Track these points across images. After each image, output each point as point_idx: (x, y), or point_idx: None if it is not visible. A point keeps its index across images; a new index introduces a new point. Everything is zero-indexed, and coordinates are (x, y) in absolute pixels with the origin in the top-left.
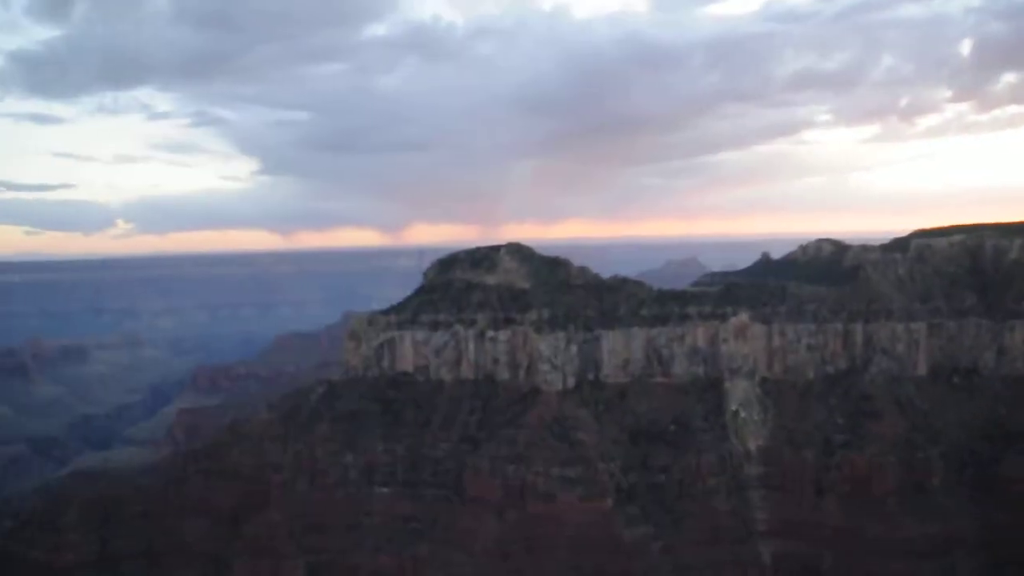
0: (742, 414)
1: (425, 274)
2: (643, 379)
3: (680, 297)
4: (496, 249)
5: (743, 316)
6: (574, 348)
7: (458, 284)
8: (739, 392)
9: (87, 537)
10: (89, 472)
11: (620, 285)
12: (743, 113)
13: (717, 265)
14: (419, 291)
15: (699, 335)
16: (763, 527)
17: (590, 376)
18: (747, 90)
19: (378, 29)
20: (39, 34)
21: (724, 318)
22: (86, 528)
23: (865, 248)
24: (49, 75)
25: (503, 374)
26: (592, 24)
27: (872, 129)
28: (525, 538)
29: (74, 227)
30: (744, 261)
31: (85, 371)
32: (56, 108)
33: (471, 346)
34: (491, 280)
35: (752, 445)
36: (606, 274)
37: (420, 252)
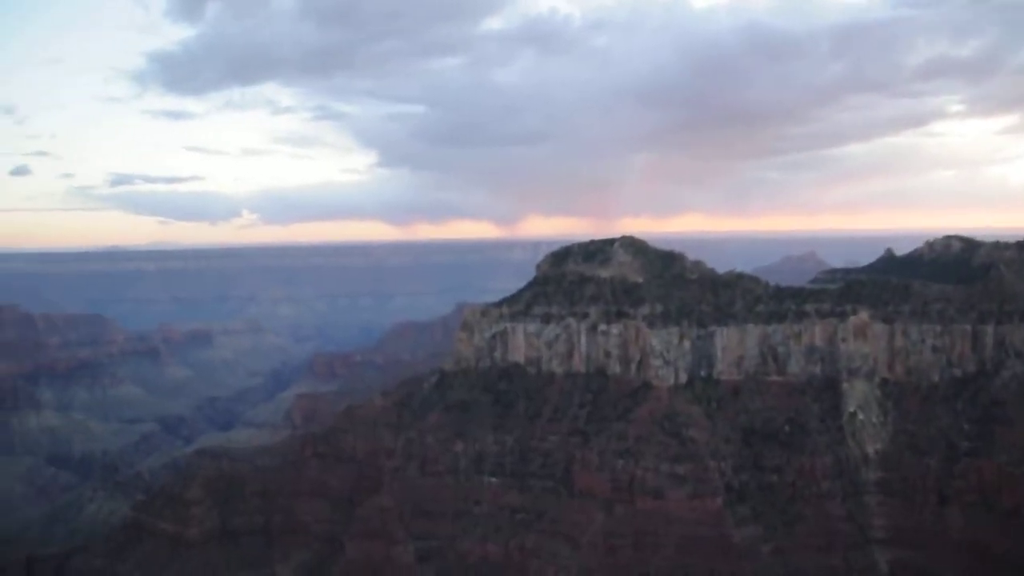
0: (860, 416)
1: (538, 266)
2: (757, 377)
3: (798, 294)
4: (610, 242)
5: (863, 315)
6: (687, 344)
7: (571, 277)
8: (857, 393)
9: (209, 513)
10: (213, 451)
11: (736, 280)
12: (869, 104)
13: (837, 261)
14: (532, 283)
15: (817, 333)
16: (880, 534)
17: (703, 373)
18: (874, 80)
19: (495, 22)
20: (176, 34)
21: (843, 316)
22: (209, 504)
23: (998, 245)
24: (183, 73)
25: (614, 368)
26: (711, 13)
27: (1010, 119)
28: (632, 533)
29: (202, 217)
30: (866, 258)
31: (210, 355)
32: (188, 104)
33: (583, 339)
34: (604, 273)
35: (870, 449)
36: (721, 269)
37: (534, 244)
